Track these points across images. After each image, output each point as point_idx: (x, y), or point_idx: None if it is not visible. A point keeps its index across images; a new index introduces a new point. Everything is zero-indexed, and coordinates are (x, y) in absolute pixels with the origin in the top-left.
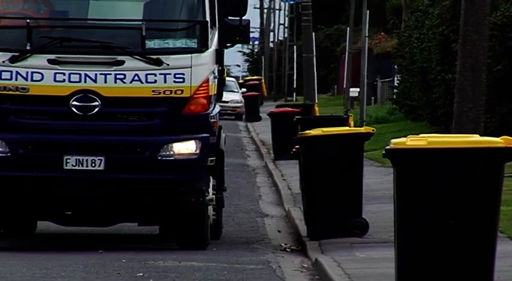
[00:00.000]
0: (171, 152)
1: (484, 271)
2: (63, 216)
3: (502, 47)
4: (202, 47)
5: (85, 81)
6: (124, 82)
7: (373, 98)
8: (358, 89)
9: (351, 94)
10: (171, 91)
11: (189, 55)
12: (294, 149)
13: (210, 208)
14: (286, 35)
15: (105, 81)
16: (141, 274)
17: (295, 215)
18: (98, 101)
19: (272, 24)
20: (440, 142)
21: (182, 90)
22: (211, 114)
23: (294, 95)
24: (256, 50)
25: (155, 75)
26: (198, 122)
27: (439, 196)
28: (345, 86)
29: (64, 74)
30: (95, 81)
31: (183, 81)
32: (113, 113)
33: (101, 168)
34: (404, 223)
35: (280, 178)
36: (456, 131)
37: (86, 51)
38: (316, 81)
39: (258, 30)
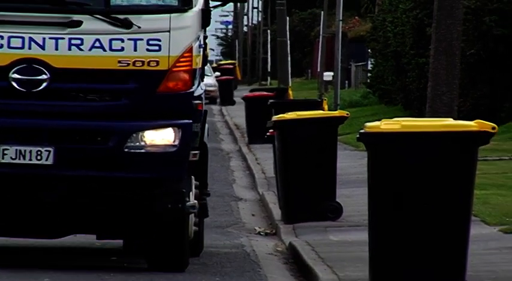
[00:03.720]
0: (142, 143)
1: (457, 255)
2: None
3: (476, 31)
4: (185, 4)
5: (29, 48)
6: (81, 49)
7: (347, 82)
8: (332, 73)
9: (325, 78)
10: (142, 62)
11: (168, 15)
12: (268, 133)
13: (191, 216)
14: (260, 19)
15: (56, 48)
16: None
17: (269, 199)
18: (46, 74)
19: (246, 8)
20: (414, 126)
21: (157, 62)
22: (196, 95)
23: (268, 79)
24: (230, 34)
25: (122, 41)
26: (177, 104)
27: (413, 180)
28: (318, 70)
29: (1, 37)
30: (42, 47)
31: (159, 50)
32: (65, 89)
33: (49, 162)
34: (377, 207)
35: (254, 162)
36: (430, 115)
37: (30, 8)
38: (290, 65)
39: (232, 13)
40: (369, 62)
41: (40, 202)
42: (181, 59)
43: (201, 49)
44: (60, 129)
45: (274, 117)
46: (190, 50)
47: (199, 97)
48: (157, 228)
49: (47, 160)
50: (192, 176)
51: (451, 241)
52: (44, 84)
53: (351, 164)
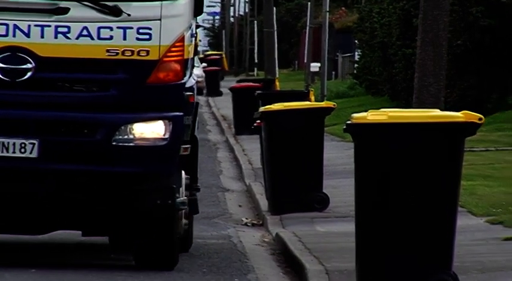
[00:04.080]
0: (131, 136)
1: (444, 246)
2: None
3: (463, 22)
4: None
5: (13, 35)
6: (68, 38)
7: (333, 73)
8: (319, 64)
9: (312, 69)
10: (132, 52)
11: (159, 3)
12: (255, 124)
13: (182, 214)
14: (247, 10)
15: (42, 36)
16: None
17: (256, 190)
18: (31, 63)
19: None
20: (401, 117)
21: (148, 51)
22: (187, 86)
23: (255, 70)
24: (217, 25)
25: (111, 29)
26: (168, 96)
27: (400, 171)
28: (305, 61)
29: None
30: (27, 35)
31: (150, 39)
32: (51, 79)
33: (34, 155)
34: (364, 198)
35: (241, 153)
36: (417, 105)
37: None
38: (277, 56)
39: (219, 4)
40: (356, 53)
41: (24, 197)
42: (173, 49)
43: (193, 38)
44: (45, 120)
45: (261, 108)
46: (182, 39)
47: (190, 88)
48: (146, 225)
49: (31, 153)
50: (183, 171)
51: (438, 232)
52: (29, 73)
53: (338, 155)
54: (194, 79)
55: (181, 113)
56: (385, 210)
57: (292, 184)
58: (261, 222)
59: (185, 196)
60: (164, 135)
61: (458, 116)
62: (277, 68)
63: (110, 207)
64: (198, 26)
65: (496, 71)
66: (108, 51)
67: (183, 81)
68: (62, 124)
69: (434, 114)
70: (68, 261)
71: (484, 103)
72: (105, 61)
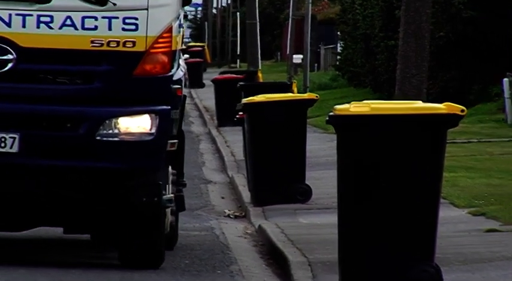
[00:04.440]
0: (116, 131)
1: (426, 237)
2: None
3: (445, 14)
4: None
5: None
6: (51, 28)
7: (316, 64)
8: (301, 56)
9: (295, 61)
10: (118, 43)
11: None
12: (237, 116)
13: (168, 211)
14: (229, 1)
15: (23, 26)
16: None
17: (239, 182)
18: (12, 54)
19: None
20: (384, 108)
21: (134, 42)
22: (175, 78)
23: (238, 62)
24: (199, 16)
25: (96, 19)
26: (155, 89)
27: (382, 162)
28: (288, 53)
29: None
30: (8, 24)
31: (136, 30)
32: (33, 71)
33: (14, 150)
34: (347, 189)
35: (224, 145)
36: (399, 97)
37: None
38: (259, 48)
39: None
40: (338, 45)
41: (4, 193)
42: (160, 40)
43: (181, 29)
44: (26, 114)
45: (244, 100)
46: (169, 29)
47: (178, 81)
48: (131, 223)
49: (11, 147)
50: (170, 167)
51: (420, 223)
52: (10, 64)
53: (321, 147)
54: (182, 71)
55: (169, 107)
56: (368, 202)
57: (275, 175)
58: (243, 214)
59: (172, 192)
60: (150, 129)
61: (441, 107)
62: (259, 60)
63: (93, 204)
64: (185, 16)
65: (478, 63)
66: (92, 42)
67: (170, 73)
68: (43, 118)
69: (417, 106)
70: (54, 258)
71: (466, 95)
72: (89, 52)
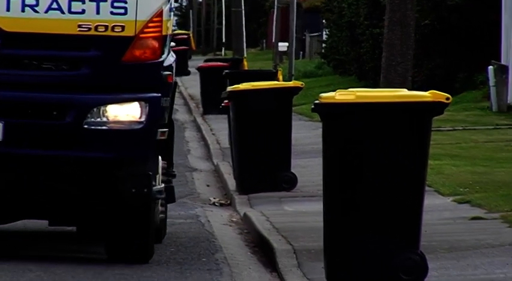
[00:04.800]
0: (104, 119)
1: (411, 225)
2: None
3: (430, 1)
4: None
5: None
6: (36, 11)
7: (301, 52)
8: (286, 44)
9: (280, 49)
10: (106, 27)
11: None
12: (222, 104)
13: (158, 203)
14: None
15: (8, 9)
16: None
17: (224, 170)
18: None
19: None
20: (369, 96)
21: (123, 27)
22: (165, 65)
23: (223, 50)
24: (184, 4)
25: (83, 2)
26: (145, 75)
27: (367, 150)
28: (273, 41)
29: None
30: None
31: (125, 13)
32: (18, 57)
33: None
34: (332, 177)
35: (209, 133)
36: (384, 85)
37: None
38: (245, 36)
39: None
40: (324, 33)
41: None
42: (150, 24)
43: (172, 13)
44: (10, 101)
45: (229, 88)
46: (160, 13)
47: (169, 67)
48: (120, 215)
49: None
50: (160, 157)
51: (405, 211)
52: None
53: (306, 135)
54: (173, 56)
55: (159, 94)
56: (353, 190)
57: (260, 163)
58: (228, 202)
59: (162, 183)
60: (140, 118)
61: (426, 95)
62: (245, 48)
63: (80, 195)
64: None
65: (463, 51)
66: (79, 26)
67: (160, 59)
68: (28, 105)
69: (402, 93)
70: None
71: (452, 83)
72: (76, 37)
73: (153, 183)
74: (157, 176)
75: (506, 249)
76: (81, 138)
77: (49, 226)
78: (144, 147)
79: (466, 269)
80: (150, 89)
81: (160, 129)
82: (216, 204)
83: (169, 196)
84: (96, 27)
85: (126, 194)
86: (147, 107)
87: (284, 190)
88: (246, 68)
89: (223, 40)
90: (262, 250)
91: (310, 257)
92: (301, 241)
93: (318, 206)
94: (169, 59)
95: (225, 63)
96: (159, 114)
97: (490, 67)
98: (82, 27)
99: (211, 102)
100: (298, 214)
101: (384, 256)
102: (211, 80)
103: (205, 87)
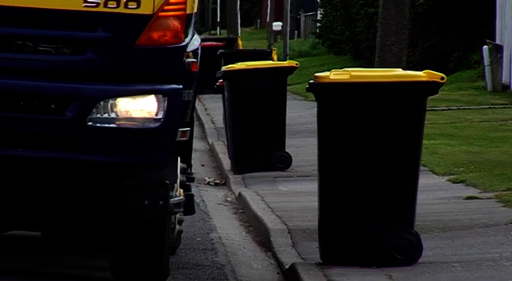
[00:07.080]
0: (113, 115)
1: (406, 205)
2: None
3: None
4: None
5: None
6: None
7: (296, 32)
8: (281, 23)
9: (274, 28)
10: (118, 3)
11: None
12: (217, 83)
13: (175, 217)
14: None
15: None
16: None
17: (219, 149)
18: None
19: None
20: (364, 76)
21: (139, 2)
22: (189, 50)
23: (218, 29)
24: None
25: None
26: (164, 62)
27: (362, 130)
28: (268, 20)
29: None
30: None
31: None
32: (10, 37)
33: None
34: (327, 157)
35: (204, 112)
36: (379, 65)
37: None
38: (239, 15)
39: None
40: (318, 12)
41: None
42: (172, 1)
43: None
44: (5, 92)
45: (224, 68)
46: None
47: (194, 53)
48: (129, 231)
49: None
50: (178, 159)
51: (399, 190)
52: None
53: (301, 114)
54: (198, 41)
55: (180, 86)
56: (347, 169)
57: (255, 143)
58: (223, 181)
59: (180, 193)
60: (157, 114)
61: (421, 75)
62: (239, 27)
63: (82, 206)
64: None
65: (458, 30)
66: (85, 1)
67: (183, 43)
68: (21, 96)
69: (397, 73)
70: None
71: (446, 62)
72: (81, 14)
73: (171, 194)
74: (176, 185)
75: (500, 228)
76: (83, 137)
77: (43, 239)
78: (160, 150)
79: (460, 249)
80: (170, 80)
81: (180, 129)
82: (211, 184)
83: (188, 206)
84: (105, 3)
85: (137, 207)
86: (166, 102)
87: (279, 170)
88: (241, 48)
89: (218, 19)
90: (257, 229)
91: (304, 236)
92: (296, 220)
93: (312, 186)
94: (194, 43)
95: (219, 43)
96: (179, 110)
97: (485, 47)
98: (88, 3)
99: (206, 82)
100: (292, 194)
101: (379, 235)
102: (206, 60)
103: (200, 67)
